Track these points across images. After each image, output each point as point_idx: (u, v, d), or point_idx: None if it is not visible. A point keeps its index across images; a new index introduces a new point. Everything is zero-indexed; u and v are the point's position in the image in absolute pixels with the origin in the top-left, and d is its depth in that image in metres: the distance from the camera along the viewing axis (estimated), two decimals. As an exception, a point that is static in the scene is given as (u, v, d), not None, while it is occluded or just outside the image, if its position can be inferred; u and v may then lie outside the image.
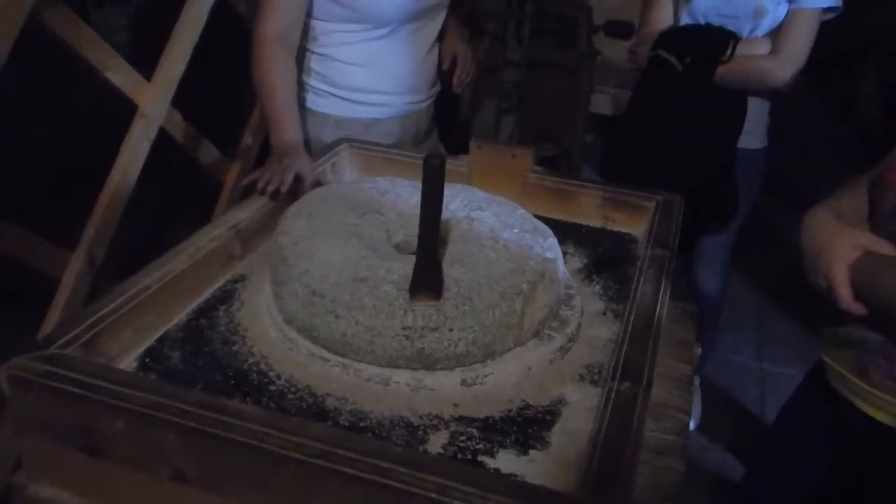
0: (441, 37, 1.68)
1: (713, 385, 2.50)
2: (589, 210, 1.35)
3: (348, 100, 1.53)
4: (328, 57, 1.50)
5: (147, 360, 0.93)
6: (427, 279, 0.89)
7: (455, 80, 1.72)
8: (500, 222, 1.10)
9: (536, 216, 1.32)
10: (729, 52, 1.64)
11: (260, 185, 1.19)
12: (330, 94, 1.52)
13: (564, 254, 1.25)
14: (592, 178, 1.78)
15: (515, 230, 1.08)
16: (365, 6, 1.44)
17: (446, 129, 1.80)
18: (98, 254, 1.31)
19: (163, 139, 1.50)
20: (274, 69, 1.37)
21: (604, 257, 1.24)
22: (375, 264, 0.96)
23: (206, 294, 1.07)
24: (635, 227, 1.31)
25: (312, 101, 1.57)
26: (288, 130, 1.33)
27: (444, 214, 1.11)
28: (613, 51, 3.39)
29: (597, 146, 3.77)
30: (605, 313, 1.09)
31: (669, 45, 1.69)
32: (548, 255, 1.03)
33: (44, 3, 1.11)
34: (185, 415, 0.74)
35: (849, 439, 1.14)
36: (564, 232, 1.32)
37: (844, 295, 0.93)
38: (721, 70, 1.65)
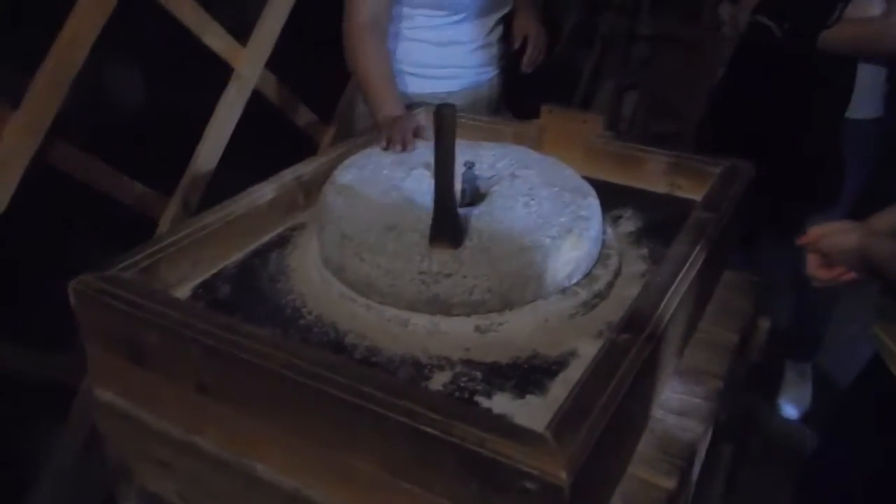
0: (512, 16, 1.71)
1: (831, 376, 2.35)
2: (655, 176, 1.32)
3: (422, 76, 1.60)
4: (406, 38, 1.57)
5: (200, 290, 1.04)
6: (444, 227, 0.92)
7: (525, 60, 1.72)
8: (543, 180, 1.11)
9: (602, 181, 1.32)
10: (836, 15, 1.52)
11: (382, 146, 1.22)
12: (405, 72, 1.58)
13: (619, 217, 1.24)
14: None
15: (556, 188, 1.08)
16: None
17: (517, 101, 1.81)
18: (193, 200, 1.45)
19: (261, 101, 1.62)
20: (369, 54, 1.42)
21: (659, 222, 1.22)
22: (407, 214, 1.01)
23: (266, 238, 1.17)
24: (701, 193, 1.27)
25: None
26: (390, 107, 1.39)
27: (490, 171, 1.14)
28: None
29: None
30: (644, 275, 1.08)
31: (770, 9, 1.59)
32: (582, 212, 1.03)
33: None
34: (206, 334, 0.82)
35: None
36: (628, 197, 1.31)
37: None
38: (825, 35, 1.53)
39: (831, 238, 1.07)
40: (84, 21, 1.19)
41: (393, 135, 1.22)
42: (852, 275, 1.10)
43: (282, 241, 1.16)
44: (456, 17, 1.57)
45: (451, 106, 0.86)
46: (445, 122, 0.86)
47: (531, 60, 1.72)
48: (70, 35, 1.17)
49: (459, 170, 1.05)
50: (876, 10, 1.54)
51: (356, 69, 1.44)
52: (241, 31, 1.56)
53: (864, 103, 1.66)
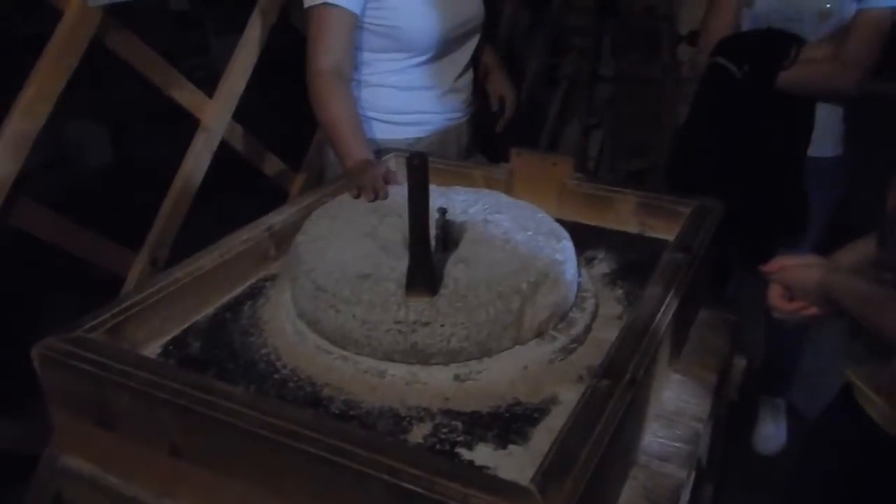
0: (484, 73, 1.79)
1: (804, 410, 2.36)
2: (626, 216, 1.33)
3: (389, 122, 1.59)
4: (370, 84, 1.57)
5: (170, 347, 1.01)
6: (420, 276, 0.92)
7: (502, 123, 1.81)
8: (517, 225, 1.11)
9: (574, 223, 1.33)
10: (792, 56, 1.57)
11: (353, 194, 1.22)
12: (371, 119, 1.58)
13: (593, 259, 1.24)
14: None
15: (529, 232, 1.09)
16: (407, 37, 1.51)
17: (489, 145, 1.84)
18: (160, 255, 1.42)
19: (229, 152, 1.61)
20: (334, 102, 1.42)
21: (632, 263, 1.22)
22: (381, 262, 1.00)
23: (237, 290, 1.15)
24: (672, 233, 1.28)
25: None
26: (358, 153, 1.38)
27: (463, 217, 1.14)
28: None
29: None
30: (620, 317, 1.08)
31: (728, 51, 1.63)
32: (557, 256, 1.03)
33: (108, 27, 1.24)
34: (178, 394, 0.80)
35: (865, 450, 1.10)
36: (599, 238, 1.31)
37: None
38: (782, 76, 1.58)
39: (794, 272, 1.09)
40: (45, 81, 1.17)
41: (363, 183, 1.22)
42: (813, 310, 1.11)
43: (253, 294, 1.14)
44: (419, 60, 1.57)
45: (423, 156, 0.86)
46: (417, 172, 0.86)
47: (507, 123, 1.76)
48: (31, 95, 1.15)
49: (433, 216, 1.04)
50: (829, 52, 1.59)
51: (322, 116, 1.44)
52: (208, 81, 1.55)
53: (824, 142, 1.70)
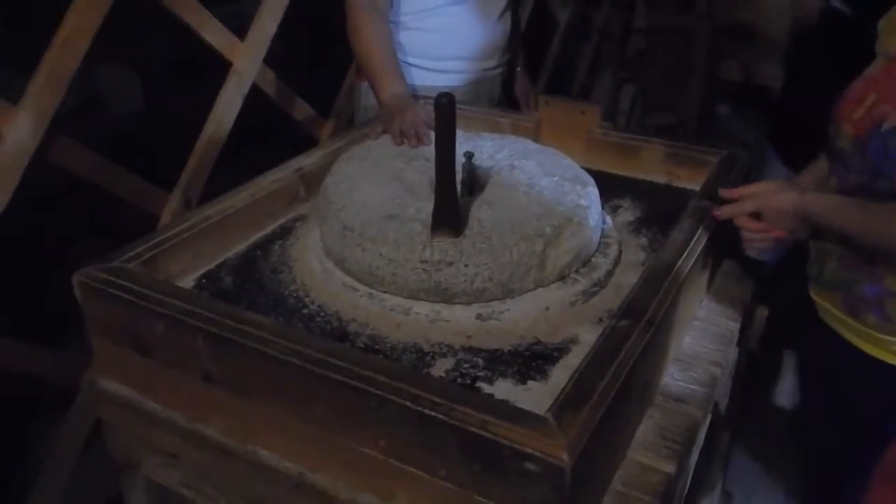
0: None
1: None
2: (653, 165, 1.33)
3: (424, 68, 1.59)
4: (405, 25, 1.56)
5: (203, 280, 1.05)
6: (445, 217, 0.93)
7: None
8: (542, 170, 1.11)
9: (601, 171, 1.33)
10: None
11: (397, 140, 1.23)
12: (407, 63, 1.58)
13: (619, 207, 1.25)
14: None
15: (555, 178, 1.09)
16: None
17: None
18: (193, 195, 1.45)
19: (259, 97, 1.62)
20: (372, 34, 1.45)
21: (658, 211, 1.23)
22: (408, 204, 1.02)
23: (268, 229, 1.18)
24: (699, 182, 1.28)
25: None
26: (394, 84, 1.40)
27: (489, 162, 1.15)
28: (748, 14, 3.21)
29: (734, 117, 3.57)
30: (643, 264, 1.09)
31: None
32: (581, 202, 1.04)
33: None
34: (210, 322, 0.83)
35: (833, 366, 1.15)
36: (626, 187, 1.32)
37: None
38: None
39: (768, 197, 1.06)
40: (80, 20, 1.19)
41: (406, 127, 1.22)
42: (779, 232, 1.10)
43: (283, 233, 1.17)
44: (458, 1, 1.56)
45: (450, 96, 0.87)
46: (445, 112, 0.87)
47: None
48: (67, 33, 1.17)
49: (459, 160, 1.06)
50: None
51: (358, 49, 1.47)
52: (238, 30, 1.56)
53: None
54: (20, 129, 1.15)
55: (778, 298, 1.30)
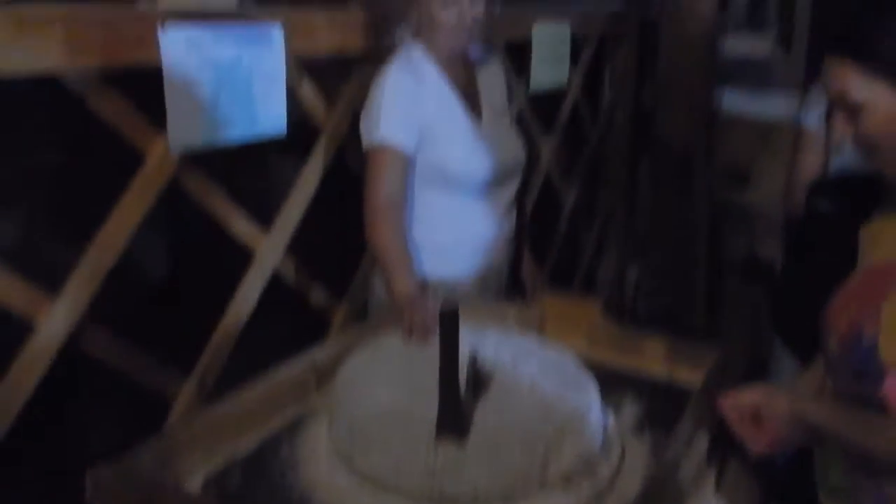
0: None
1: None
2: (654, 360, 1.37)
3: (437, 257, 1.68)
4: (417, 216, 1.67)
5: (212, 482, 1.06)
6: (449, 421, 0.96)
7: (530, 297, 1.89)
8: (544, 372, 1.15)
9: (603, 365, 1.37)
10: None
11: (407, 337, 1.27)
12: (419, 254, 1.68)
13: (620, 405, 1.27)
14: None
15: (556, 380, 1.13)
16: (455, 171, 1.63)
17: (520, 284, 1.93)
18: (208, 381, 1.50)
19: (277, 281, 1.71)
20: (386, 232, 1.56)
21: (659, 411, 1.25)
22: (416, 404, 1.05)
23: (278, 424, 1.20)
24: (699, 377, 1.31)
25: None
26: (406, 279, 1.50)
27: (493, 358, 1.20)
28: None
29: (740, 293, 3.63)
30: (647, 468, 1.09)
31: (823, 192, 1.64)
32: (582, 407, 1.07)
33: (183, 170, 1.39)
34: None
35: None
36: (626, 382, 1.35)
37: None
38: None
39: (760, 398, 1.04)
40: (125, 216, 1.30)
41: (415, 322, 1.27)
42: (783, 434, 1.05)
43: (293, 427, 1.19)
44: (467, 193, 1.68)
45: (453, 304, 0.93)
46: (449, 322, 0.93)
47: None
48: (112, 228, 1.27)
49: (464, 360, 1.10)
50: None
51: (375, 243, 1.56)
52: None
53: None
54: (55, 322, 1.22)
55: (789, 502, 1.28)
